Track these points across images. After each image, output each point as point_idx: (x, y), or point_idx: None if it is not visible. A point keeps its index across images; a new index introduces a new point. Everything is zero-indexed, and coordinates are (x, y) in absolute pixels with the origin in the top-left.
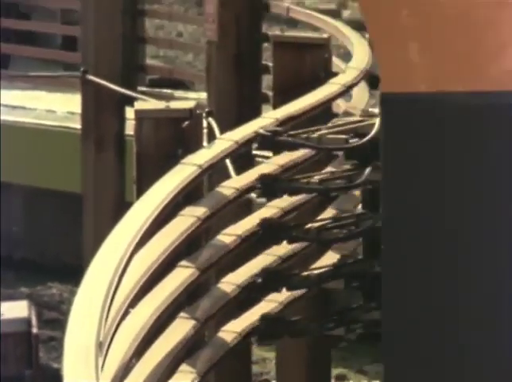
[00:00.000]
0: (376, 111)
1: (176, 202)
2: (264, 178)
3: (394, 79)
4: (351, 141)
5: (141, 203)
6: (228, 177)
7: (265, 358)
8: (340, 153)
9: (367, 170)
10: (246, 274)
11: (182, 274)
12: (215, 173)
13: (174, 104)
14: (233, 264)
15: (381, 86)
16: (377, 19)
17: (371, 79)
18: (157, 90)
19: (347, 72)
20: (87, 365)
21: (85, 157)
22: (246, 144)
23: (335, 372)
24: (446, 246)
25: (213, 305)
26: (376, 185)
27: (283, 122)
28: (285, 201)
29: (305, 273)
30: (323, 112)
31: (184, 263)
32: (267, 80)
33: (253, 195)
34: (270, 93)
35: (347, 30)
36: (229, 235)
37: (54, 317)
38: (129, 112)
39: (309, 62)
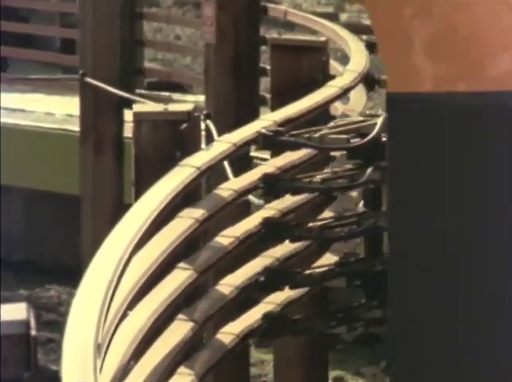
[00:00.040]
0: (374, 113)
1: (175, 204)
2: (266, 178)
3: (399, 79)
4: (352, 141)
5: (140, 205)
6: (226, 179)
7: (263, 360)
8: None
9: (369, 170)
10: (244, 276)
11: (180, 276)
12: (213, 175)
13: (172, 107)
14: (231, 266)
15: (387, 86)
16: (382, 22)
17: (368, 81)
18: (156, 93)
19: (344, 75)
20: (86, 367)
21: (83, 160)
22: (244, 146)
23: (332, 374)
24: (447, 245)
25: (211, 307)
26: (377, 184)
27: (281, 125)
28: (283, 203)
29: (308, 271)
30: (320, 115)
31: (182, 264)
32: (265, 83)
33: (251, 197)
34: (268, 96)
35: (344, 33)
36: (227, 236)
37: (52, 319)
38: (128, 115)
39: (307, 65)
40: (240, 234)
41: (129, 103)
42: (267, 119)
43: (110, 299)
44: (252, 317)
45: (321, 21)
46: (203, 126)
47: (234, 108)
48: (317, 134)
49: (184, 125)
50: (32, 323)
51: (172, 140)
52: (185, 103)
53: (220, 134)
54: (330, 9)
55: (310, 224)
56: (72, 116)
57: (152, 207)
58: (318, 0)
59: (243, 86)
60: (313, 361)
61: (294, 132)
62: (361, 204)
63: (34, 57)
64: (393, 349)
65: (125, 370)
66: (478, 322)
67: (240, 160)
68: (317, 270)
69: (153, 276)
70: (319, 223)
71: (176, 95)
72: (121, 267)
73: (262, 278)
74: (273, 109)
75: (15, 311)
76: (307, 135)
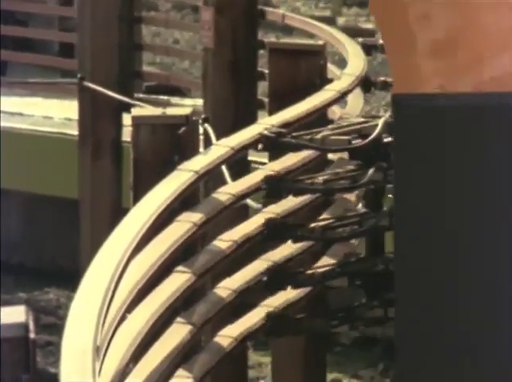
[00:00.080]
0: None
1: (173, 208)
2: (269, 179)
3: (404, 80)
4: (354, 142)
5: (138, 209)
6: (224, 183)
7: (261, 363)
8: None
9: (371, 171)
10: (242, 280)
11: (178, 280)
12: (211, 179)
13: (171, 111)
14: (229, 269)
15: (393, 87)
16: (388, 26)
17: (364, 83)
18: (154, 96)
19: (342, 79)
20: (84, 370)
21: (82, 164)
22: (242, 150)
23: (330, 376)
24: (453, 245)
25: (209, 310)
26: (379, 184)
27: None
28: (281, 207)
29: (310, 271)
30: (318, 118)
31: (180, 268)
32: (263, 87)
33: (249, 201)
34: (266, 99)
35: (342, 37)
36: (225, 240)
37: (51, 322)
38: (126, 118)
39: (304, 69)
40: (238, 238)
41: (127, 107)
42: (265, 123)
43: (109, 302)
44: (250, 320)
45: (319, 25)
46: (201, 130)
47: (233, 112)
48: (319, 136)
49: (183, 129)
50: (31, 326)
51: (170, 144)
52: (183, 106)
53: (218, 137)
54: (327, 13)
55: (312, 225)
56: (71, 120)
57: (150, 211)
58: (316, 4)
59: (241, 90)
60: (311, 364)
61: (296, 134)
62: (359, 205)
63: (33, 61)
64: (397, 349)
65: (123, 373)
66: (478, 322)
67: (238, 164)
68: (319, 270)
69: (151, 279)
70: (320, 223)
71: (175, 99)
72: (119, 271)
73: (265, 278)
74: (271, 113)
75: (14, 314)
76: (308, 137)
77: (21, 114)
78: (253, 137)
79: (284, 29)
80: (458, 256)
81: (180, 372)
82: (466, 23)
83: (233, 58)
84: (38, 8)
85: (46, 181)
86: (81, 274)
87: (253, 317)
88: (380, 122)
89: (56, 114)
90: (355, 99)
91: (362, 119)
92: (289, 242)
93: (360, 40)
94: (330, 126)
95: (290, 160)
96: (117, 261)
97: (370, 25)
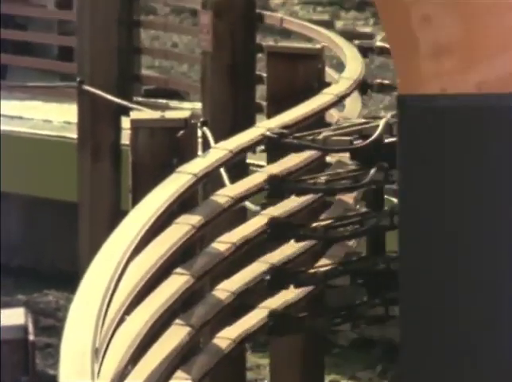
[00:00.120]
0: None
1: (172, 210)
2: (271, 179)
3: (408, 82)
4: (355, 142)
5: (137, 211)
6: (223, 185)
7: (259, 365)
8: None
9: (372, 171)
10: (240, 282)
11: (177, 282)
12: (209, 181)
13: (169, 114)
14: (228, 271)
15: (398, 88)
16: (393, 29)
17: (361, 85)
18: (153, 100)
19: (340, 83)
20: (83, 372)
21: (81, 167)
22: (241, 153)
23: (328, 378)
24: (446, 246)
25: (208, 312)
26: (380, 184)
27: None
28: (279, 209)
29: (312, 270)
30: (316, 122)
31: (179, 270)
32: (261, 90)
33: (247, 203)
34: (264, 103)
35: (340, 41)
36: (224, 243)
37: (50, 324)
38: (125, 122)
39: (303, 72)
40: (237, 240)
41: (126, 111)
42: (263, 126)
43: (108, 304)
44: (248, 321)
45: (317, 29)
46: (199, 133)
47: (231, 115)
48: (320, 136)
49: (181, 132)
50: (31, 328)
51: (169, 147)
52: (182, 110)
53: (217, 141)
54: (326, 17)
55: (314, 225)
56: (70, 123)
57: (149, 213)
58: (314, 8)
59: (240, 93)
60: (309, 365)
61: (298, 134)
62: (360, 204)
63: (32, 65)
64: (403, 349)
65: (122, 375)
66: (479, 322)
67: (237, 167)
68: (321, 269)
69: (150, 281)
70: (322, 223)
71: (173, 103)
72: (118, 273)
73: (268, 277)
74: (269, 116)
75: (13, 316)
76: (311, 137)
77: (20, 118)
78: (251, 140)
79: (282, 33)
80: (458, 257)
81: (179, 373)
82: (467, 24)
83: (231, 62)
84: (38, 12)
85: (46, 184)
86: (80, 276)
87: (251, 319)
88: (381, 122)
89: (55, 117)
90: (353, 103)
91: (363, 120)
92: (287, 244)
93: (356, 42)
94: (331, 127)
95: (288, 162)
96: (116, 263)
97: (367, 29)
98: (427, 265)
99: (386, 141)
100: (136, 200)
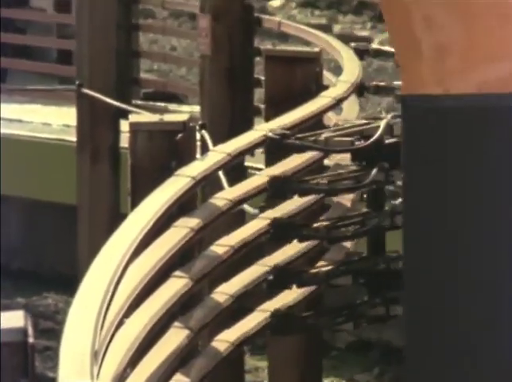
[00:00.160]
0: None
1: (170, 213)
2: (274, 180)
3: (411, 82)
4: (356, 143)
5: (136, 214)
6: (221, 188)
7: (257, 367)
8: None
9: (374, 171)
10: (239, 284)
11: (176, 285)
12: (208, 184)
13: (168, 117)
14: (226, 274)
15: (401, 89)
16: (397, 30)
17: (358, 87)
18: (151, 103)
19: (337, 86)
20: (83, 374)
21: (80, 170)
22: (239, 156)
23: (326, 380)
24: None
25: (206, 315)
26: (381, 185)
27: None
28: (277, 212)
29: (314, 270)
30: (314, 125)
31: (177, 273)
32: (259, 93)
33: (246, 206)
34: (262, 106)
35: (337, 44)
36: (222, 245)
37: (50, 327)
38: (124, 125)
39: (300, 76)
40: (235, 243)
41: (125, 114)
42: (261, 129)
43: (107, 307)
44: (247, 324)
45: (315, 32)
46: (198, 136)
47: (229, 118)
48: (322, 137)
49: (180, 135)
50: (30, 331)
51: (167, 150)
52: (181, 113)
53: (215, 144)
54: (323, 21)
55: (316, 225)
56: (69, 126)
57: (148, 216)
58: (312, 11)
59: (238, 96)
60: (307, 368)
61: (300, 135)
62: (361, 205)
63: (31, 68)
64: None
65: (121, 377)
66: (479, 322)
67: (235, 170)
68: (322, 269)
69: (149, 284)
70: (323, 224)
71: (172, 106)
72: (117, 276)
73: (271, 277)
74: (267, 119)
75: (13, 319)
76: (313, 138)
77: (20, 121)
78: (250, 142)
79: (280, 37)
80: (466, 256)
81: (178, 376)
82: (468, 24)
83: (229, 65)
84: (37, 16)
85: (45, 187)
86: (79, 279)
87: (250, 322)
88: (382, 123)
89: (54, 120)
90: (351, 106)
91: (363, 121)
92: (286, 246)
93: (353, 44)
94: (332, 128)
95: (286, 164)
96: (115, 266)
97: (365, 33)
98: (431, 264)
99: (387, 141)
100: (135, 203)
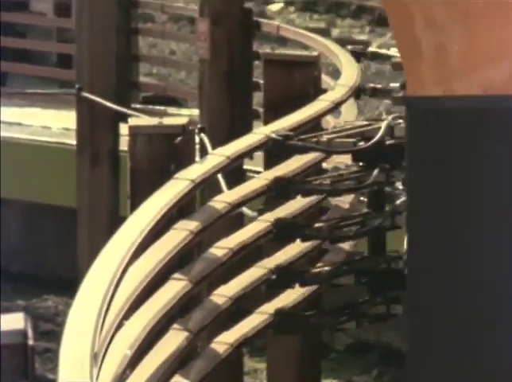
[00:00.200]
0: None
1: (170, 216)
2: (277, 181)
3: (415, 84)
4: (358, 144)
5: (135, 217)
6: (220, 191)
7: (256, 369)
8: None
9: (375, 172)
10: (237, 287)
11: (175, 287)
12: (207, 187)
13: (167, 121)
14: (225, 276)
15: (406, 90)
16: (401, 34)
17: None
18: (151, 107)
19: (336, 89)
20: (82, 376)
21: (80, 173)
22: (238, 159)
23: None
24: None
25: (205, 317)
26: (381, 185)
27: None
28: (276, 215)
29: (316, 270)
30: (312, 128)
31: (177, 275)
32: (258, 97)
33: (245, 209)
34: (261, 110)
35: (336, 48)
36: (221, 248)
37: (49, 329)
38: (123, 128)
39: (299, 79)
40: (234, 245)
41: (124, 117)
42: (260, 133)
43: (106, 309)
44: (246, 326)
45: (313, 36)
46: (197, 139)
47: (228, 122)
48: (324, 138)
49: (179, 138)
50: (30, 333)
51: (167, 153)
52: (180, 117)
53: (214, 147)
54: (322, 25)
55: (318, 225)
56: (69, 130)
57: (147, 219)
58: (310, 16)
59: (237, 100)
60: (306, 369)
61: (303, 136)
62: (361, 205)
63: (31, 72)
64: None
65: (121, 379)
66: (479, 322)
67: (234, 173)
68: (324, 268)
69: (148, 287)
70: (325, 224)
71: (171, 109)
72: (117, 278)
73: (274, 277)
74: (266, 123)
75: (13, 321)
76: (315, 139)
77: (19, 124)
78: (249, 145)
79: (279, 41)
80: (458, 256)
81: (177, 378)
82: (471, 26)
83: (228, 69)
84: (37, 20)
85: (45, 190)
86: (79, 281)
87: (249, 324)
88: (383, 125)
89: (54, 124)
90: (349, 109)
91: (365, 122)
92: (285, 248)
93: (349, 47)
94: (334, 130)
95: (285, 167)
96: (114, 268)
97: (363, 37)
98: (432, 264)
99: (388, 142)
100: (134, 206)
